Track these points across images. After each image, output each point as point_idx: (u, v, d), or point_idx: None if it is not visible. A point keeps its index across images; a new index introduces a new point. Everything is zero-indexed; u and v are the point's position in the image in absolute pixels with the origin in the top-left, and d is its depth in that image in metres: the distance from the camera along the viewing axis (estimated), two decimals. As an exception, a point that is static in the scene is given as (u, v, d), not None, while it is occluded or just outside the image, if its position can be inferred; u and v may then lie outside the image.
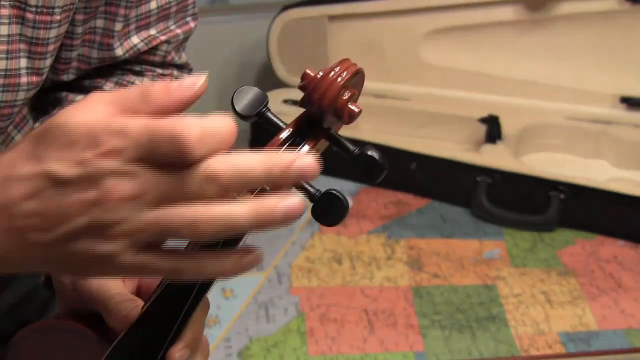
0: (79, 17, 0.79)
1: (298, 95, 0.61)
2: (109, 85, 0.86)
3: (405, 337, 1.66)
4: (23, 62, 0.75)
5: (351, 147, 0.60)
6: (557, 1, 2.16)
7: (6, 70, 0.74)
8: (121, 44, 0.83)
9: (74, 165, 0.53)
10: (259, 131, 1.94)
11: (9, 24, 0.73)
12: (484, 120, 2.13)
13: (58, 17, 0.75)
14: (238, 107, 0.60)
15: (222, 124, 0.53)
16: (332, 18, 2.20)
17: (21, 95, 0.76)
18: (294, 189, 0.57)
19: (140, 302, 0.66)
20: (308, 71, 0.59)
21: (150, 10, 0.84)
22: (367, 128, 2.04)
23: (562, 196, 1.93)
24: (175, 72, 0.91)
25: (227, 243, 0.58)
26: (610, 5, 2.14)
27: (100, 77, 0.86)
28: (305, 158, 0.53)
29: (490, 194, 1.98)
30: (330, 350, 1.62)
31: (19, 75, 0.75)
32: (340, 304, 1.73)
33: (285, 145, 0.60)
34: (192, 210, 0.53)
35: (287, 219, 0.53)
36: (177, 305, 0.61)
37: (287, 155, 0.53)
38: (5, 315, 0.89)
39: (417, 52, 2.23)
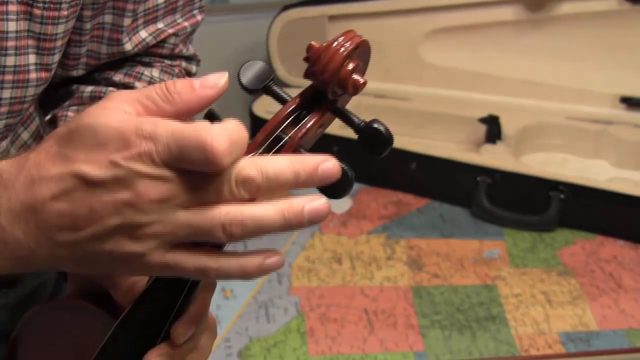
0: (87, 13, 0.79)
1: (298, 95, 0.62)
2: (118, 76, 0.86)
3: (405, 337, 1.66)
4: (32, 58, 0.75)
5: (357, 120, 0.60)
6: (557, 1, 2.16)
7: (15, 66, 0.74)
8: (130, 39, 0.84)
9: (105, 166, 0.54)
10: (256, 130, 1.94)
11: (17, 20, 0.73)
12: (484, 120, 2.13)
13: (65, 13, 0.75)
14: (244, 81, 0.61)
15: (243, 131, 0.55)
16: (332, 18, 2.20)
17: (30, 91, 0.77)
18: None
19: (145, 277, 0.67)
20: (313, 43, 0.59)
21: (157, 5, 0.85)
22: (367, 128, 2.04)
23: (562, 196, 1.93)
24: (184, 64, 0.92)
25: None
26: (610, 5, 2.14)
27: (109, 69, 0.87)
28: (328, 162, 0.55)
29: (490, 194, 1.98)
30: (330, 350, 1.62)
31: (28, 72, 0.76)
32: (340, 304, 1.73)
33: (290, 118, 0.60)
34: (224, 213, 0.54)
35: (314, 220, 0.55)
36: (180, 279, 0.61)
37: (313, 159, 0.55)
38: (14, 309, 0.89)
39: (417, 52, 2.23)
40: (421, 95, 2.24)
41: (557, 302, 1.75)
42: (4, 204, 0.57)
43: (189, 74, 0.92)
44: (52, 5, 0.74)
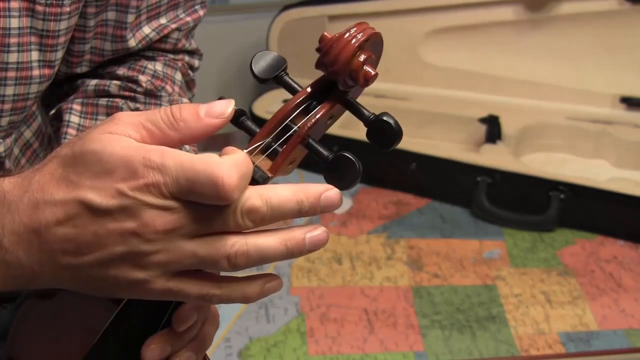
0: (91, 10, 0.79)
1: (298, 95, 0.62)
2: (122, 70, 0.86)
3: (405, 337, 1.66)
4: (34, 55, 0.75)
5: (367, 112, 0.60)
6: (557, 1, 2.16)
7: (18, 63, 0.74)
8: (133, 35, 0.84)
9: (112, 195, 0.54)
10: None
11: (19, 16, 0.73)
12: (484, 120, 2.13)
13: (67, 9, 0.75)
14: (256, 70, 0.61)
15: (250, 164, 0.56)
16: (332, 18, 2.20)
17: (34, 88, 0.77)
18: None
19: None
20: (325, 33, 0.59)
21: (160, 0, 0.85)
22: (367, 128, 2.04)
23: (562, 196, 1.93)
24: (187, 58, 0.92)
25: None
26: (610, 5, 2.14)
27: (113, 63, 0.87)
28: (331, 191, 0.57)
29: (490, 194, 1.98)
30: (330, 350, 1.62)
31: (31, 68, 0.76)
32: (340, 304, 1.73)
33: (301, 108, 0.61)
34: (230, 245, 0.55)
35: (314, 248, 0.57)
36: None
37: (316, 188, 0.57)
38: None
39: (417, 52, 2.23)
40: (421, 95, 2.24)
41: (557, 302, 1.75)
42: (8, 226, 0.57)
43: (191, 67, 0.93)
44: (54, 2, 0.74)
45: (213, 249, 0.55)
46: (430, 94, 2.24)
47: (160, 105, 0.85)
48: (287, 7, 2.22)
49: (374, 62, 0.60)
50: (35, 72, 0.76)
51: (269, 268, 1.80)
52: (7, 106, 0.76)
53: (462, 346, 1.64)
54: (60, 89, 0.88)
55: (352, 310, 1.72)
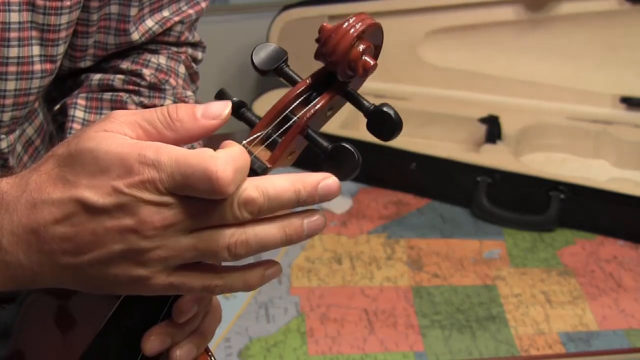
0: (94, 4, 0.79)
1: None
2: (125, 64, 0.86)
3: (405, 337, 1.66)
4: (36, 50, 0.75)
5: (367, 103, 0.60)
6: (557, 1, 2.16)
7: (19, 57, 0.74)
8: (137, 28, 0.84)
9: (108, 193, 0.54)
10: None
11: (19, 11, 0.73)
12: (484, 120, 2.13)
13: (68, 3, 0.75)
14: (256, 61, 0.61)
15: (246, 157, 0.56)
16: (332, 18, 2.20)
17: (35, 83, 0.77)
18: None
19: None
20: (324, 24, 0.59)
21: None
22: (367, 128, 2.04)
23: (562, 196, 1.93)
24: (190, 50, 0.92)
25: None
26: (610, 5, 2.14)
27: (116, 57, 0.87)
28: (329, 179, 0.57)
29: (490, 194, 1.98)
30: (330, 350, 1.62)
31: (32, 63, 0.75)
32: (340, 304, 1.73)
33: (301, 99, 0.61)
34: (229, 235, 0.55)
35: (312, 234, 0.57)
36: None
37: (313, 177, 0.57)
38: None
39: (417, 52, 2.23)
40: (421, 95, 2.24)
41: (557, 302, 1.75)
42: (7, 226, 0.57)
43: (195, 60, 0.93)
44: None
45: (213, 241, 0.55)
46: (430, 94, 2.24)
47: (165, 98, 0.85)
48: (287, 7, 2.22)
49: (374, 52, 0.60)
50: (37, 67, 0.76)
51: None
52: (8, 101, 0.76)
53: (462, 346, 1.64)
54: (64, 84, 0.88)
55: (352, 310, 1.72)
